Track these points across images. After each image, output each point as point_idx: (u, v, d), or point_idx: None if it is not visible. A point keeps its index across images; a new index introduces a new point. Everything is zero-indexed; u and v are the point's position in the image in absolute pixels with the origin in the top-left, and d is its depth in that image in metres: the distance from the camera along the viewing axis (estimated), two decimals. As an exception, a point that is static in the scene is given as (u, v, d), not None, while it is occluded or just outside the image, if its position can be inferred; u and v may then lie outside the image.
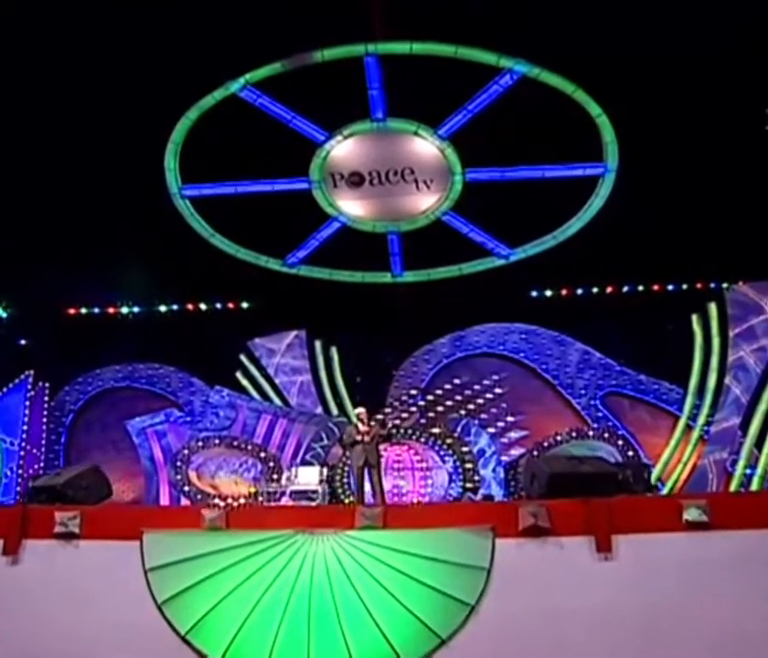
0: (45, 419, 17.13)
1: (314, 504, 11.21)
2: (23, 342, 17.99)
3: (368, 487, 11.16)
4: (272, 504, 12.68)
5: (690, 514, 8.34)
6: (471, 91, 12.48)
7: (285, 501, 11.83)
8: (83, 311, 17.80)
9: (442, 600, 8.13)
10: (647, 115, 12.22)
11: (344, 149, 13.52)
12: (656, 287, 16.98)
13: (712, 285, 16.72)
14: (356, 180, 13.92)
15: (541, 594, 8.14)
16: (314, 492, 11.64)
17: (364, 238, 15.22)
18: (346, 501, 14.96)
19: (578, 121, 12.62)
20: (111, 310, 17.85)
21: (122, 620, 8.32)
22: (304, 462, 16.29)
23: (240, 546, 8.45)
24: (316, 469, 12.56)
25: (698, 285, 16.76)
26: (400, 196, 14.21)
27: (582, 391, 17.12)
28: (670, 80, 11.69)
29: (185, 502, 16.15)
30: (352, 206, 14.60)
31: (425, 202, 14.46)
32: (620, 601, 8.02)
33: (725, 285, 16.55)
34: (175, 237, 14.88)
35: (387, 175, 13.80)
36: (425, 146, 13.44)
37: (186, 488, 16.09)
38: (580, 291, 17.20)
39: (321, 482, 12.04)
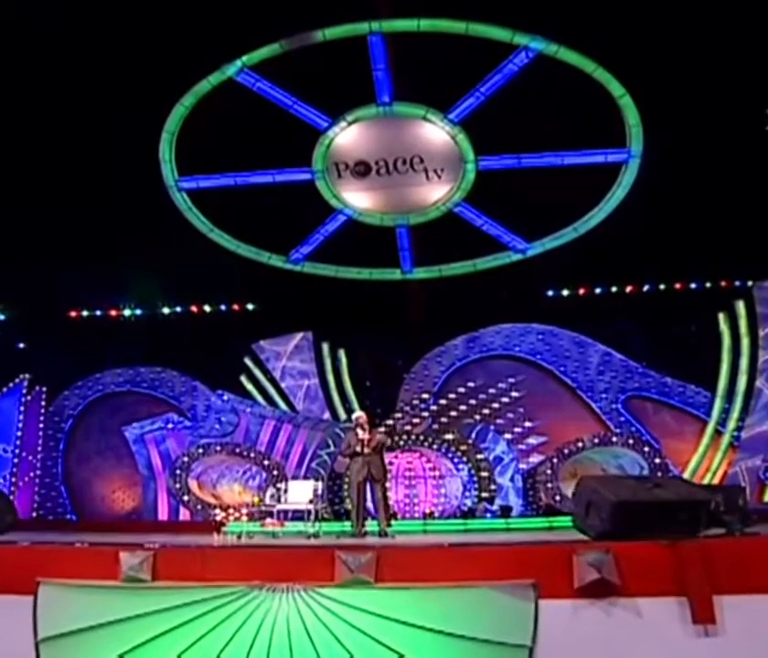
0: (42, 425, 16.57)
1: (309, 530, 9.64)
2: (21, 345, 17.42)
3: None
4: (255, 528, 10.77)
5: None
6: (483, 72, 11.74)
7: (271, 522, 10.31)
8: (85, 313, 17.35)
9: None
10: (674, 95, 11.36)
11: (348, 136, 12.83)
12: (678, 285, 16.20)
13: (737, 283, 15.97)
14: (361, 170, 13.23)
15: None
16: (306, 513, 9.94)
17: (371, 233, 14.50)
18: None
19: (599, 102, 11.82)
20: (113, 312, 17.41)
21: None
22: (309, 470, 15.57)
23: (165, 610, 5.93)
24: (309, 484, 10.58)
25: (723, 283, 16.00)
26: (409, 187, 13.49)
27: (603, 395, 16.36)
28: (701, 57, 10.77)
29: (184, 512, 15.42)
30: (358, 198, 13.90)
31: (436, 193, 13.73)
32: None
33: (750, 283, 15.79)
34: (173, 232, 14.20)
35: (394, 163, 13.11)
36: (435, 132, 12.70)
37: (186, 497, 15.37)
38: (598, 291, 16.45)
39: (315, 498, 10.15)
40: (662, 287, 16.18)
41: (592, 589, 5.65)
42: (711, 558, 5.71)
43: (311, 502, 9.97)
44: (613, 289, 16.33)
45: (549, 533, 9.00)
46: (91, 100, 11.58)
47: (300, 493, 10.34)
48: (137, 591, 6.01)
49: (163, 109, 12.36)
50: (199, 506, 15.37)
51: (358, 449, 9.70)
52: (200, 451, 15.78)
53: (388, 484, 10.15)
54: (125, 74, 11.17)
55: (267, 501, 10.67)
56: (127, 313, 17.30)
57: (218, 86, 12.02)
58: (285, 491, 10.55)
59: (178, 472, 15.51)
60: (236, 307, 17.16)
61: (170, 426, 16.39)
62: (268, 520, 10.16)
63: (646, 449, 14.89)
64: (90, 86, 11.39)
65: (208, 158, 13.17)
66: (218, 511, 15.10)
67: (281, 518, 10.31)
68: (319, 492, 10.34)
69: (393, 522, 10.02)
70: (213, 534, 10.15)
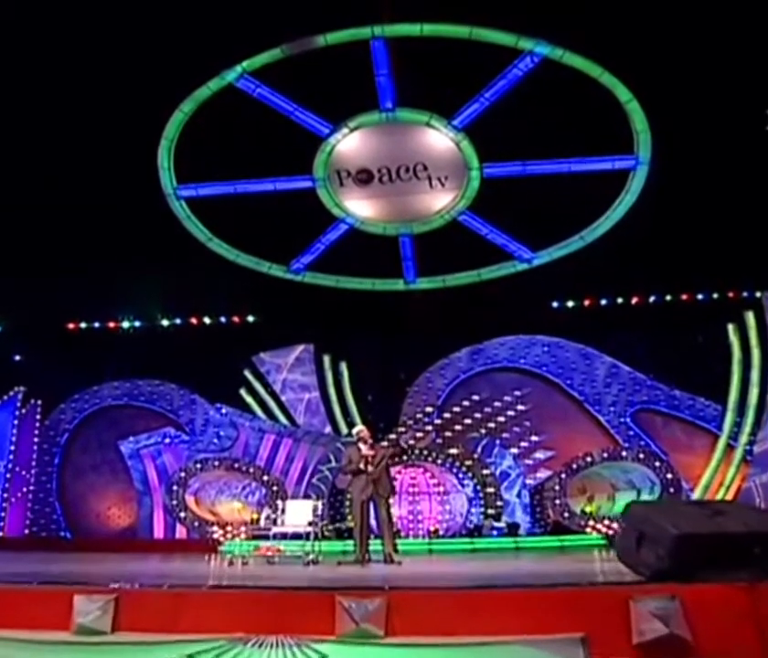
0: (36, 439, 16.22)
1: (308, 549, 9.06)
2: (16, 357, 17.13)
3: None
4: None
5: None
6: (488, 77, 11.50)
7: (267, 547, 9.63)
8: (83, 325, 17.07)
9: None
10: (682, 100, 11.08)
11: (350, 143, 12.62)
12: (685, 296, 15.90)
13: (745, 294, 15.70)
14: (364, 177, 12.99)
15: None
16: (305, 536, 9.21)
17: (374, 242, 14.24)
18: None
19: (606, 108, 11.56)
20: (111, 324, 17.14)
21: None
22: (310, 486, 15.21)
23: None
24: (308, 504, 9.94)
25: (731, 294, 15.73)
26: (413, 195, 13.23)
27: (611, 408, 16.04)
28: (709, 60, 10.50)
29: (180, 530, 15.04)
30: (360, 207, 13.65)
31: (439, 201, 13.47)
32: None
33: (758, 294, 15.54)
34: (171, 242, 13.93)
35: (397, 171, 12.87)
36: (439, 139, 12.47)
37: (183, 514, 14.99)
38: (604, 302, 16.16)
39: (314, 519, 9.50)
40: (669, 298, 15.91)
41: (656, 647, 4.37)
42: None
43: (310, 524, 9.30)
44: (620, 300, 16.06)
45: (591, 568, 7.65)
46: (89, 106, 11.34)
47: (298, 513, 9.65)
48: (93, 647, 4.78)
49: (161, 115, 12.12)
50: (196, 523, 14.99)
51: (361, 466, 9.01)
52: (198, 466, 15.42)
53: (391, 500, 9.44)
54: (123, 80, 10.93)
55: (262, 523, 10.06)
56: (126, 325, 17.06)
57: (217, 92, 11.80)
58: (283, 511, 9.80)
59: (175, 487, 15.15)
60: (236, 319, 16.90)
61: (167, 441, 16.04)
62: (263, 544, 9.57)
63: (657, 463, 14.51)
64: (88, 91, 11.16)
65: (207, 166, 12.93)
66: (215, 528, 14.73)
67: (278, 538, 9.70)
68: (319, 511, 9.75)
69: (396, 541, 9.40)
70: (208, 554, 9.66)
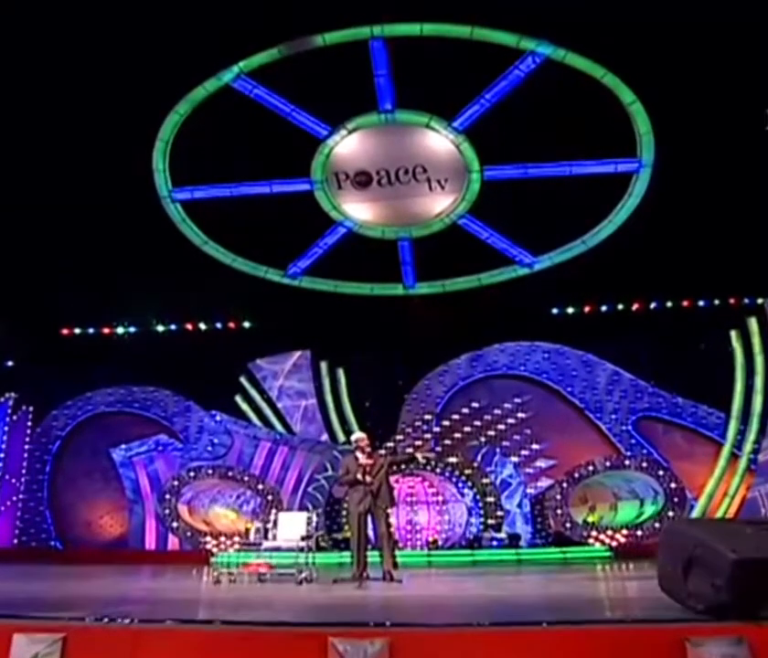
0: (27, 446, 15.90)
1: (301, 562, 8.49)
2: (9, 363, 16.83)
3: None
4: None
5: None
6: (489, 78, 11.33)
7: (257, 563, 8.94)
8: (77, 331, 16.83)
9: None
10: (687, 102, 10.88)
11: (349, 145, 12.41)
12: (685, 303, 15.72)
13: (746, 301, 15.55)
14: (362, 180, 12.78)
15: None
16: (299, 550, 8.58)
17: (372, 246, 13.99)
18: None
19: (609, 109, 11.38)
20: (106, 330, 16.87)
21: None
22: (306, 495, 14.92)
23: None
24: (302, 516, 9.18)
25: (732, 301, 15.58)
26: (412, 198, 13.02)
27: (613, 416, 15.80)
28: (715, 63, 10.31)
29: (173, 540, 14.73)
30: (359, 210, 13.42)
31: (439, 204, 13.25)
32: None
33: (759, 301, 15.41)
34: (166, 246, 13.69)
35: (396, 173, 12.66)
36: (439, 141, 12.27)
37: (175, 524, 14.66)
38: (604, 308, 15.97)
39: (309, 534, 8.88)
40: (670, 304, 15.71)
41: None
42: None
43: (303, 538, 8.69)
44: (620, 306, 15.87)
45: (618, 592, 7.03)
46: (82, 107, 11.12)
47: (291, 527, 8.92)
48: None
49: (156, 116, 11.92)
50: (189, 534, 14.67)
51: (359, 476, 8.49)
52: (191, 474, 15.10)
53: (390, 512, 8.97)
54: (117, 79, 10.73)
55: (252, 537, 9.39)
56: (120, 330, 16.79)
57: (214, 93, 11.62)
58: (275, 524, 9.04)
59: (167, 496, 14.83)
60: (232, 325, 16.65)
61: (160, 448, 15.74)
62: (253, 560, 9.05)
63: (661, 472, 14.24)
64: (81, 91, 10.93)
65: (202, 168, 12.74)
66: (209, 539, 14.41)
67: (269, 552, 9.20)
68: (313, 524, 9.17)
69: (396, 554, 8.85)
70: (199, 567, 9.13)
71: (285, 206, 13.00)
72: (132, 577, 9.90)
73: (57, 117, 11.10)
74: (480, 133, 11.97)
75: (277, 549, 9.25)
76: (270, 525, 9.05)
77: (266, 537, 9.00)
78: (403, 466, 14.24)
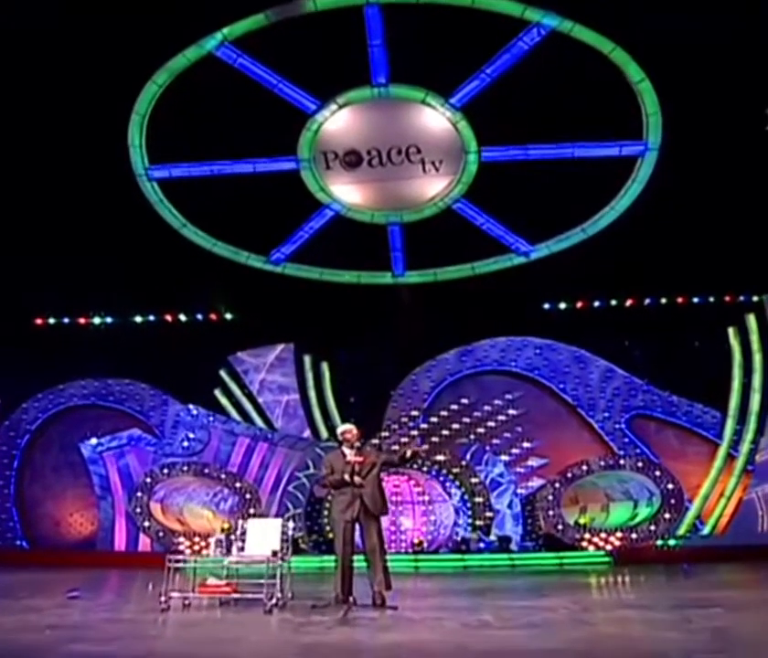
0: (-7, 441, 14.93)
1: (268, 599, 6.55)
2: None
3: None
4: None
5: None
6: (490, 51, 10.81)
7: (215, 585, 7.14)
8: (51, 321, 16.06)
9: None
10: (698, 83, 10.37)
11: (338, 121, 11.89)
12: (680, 299, 15.39)
13: (742, 298, 15.27)
14: (352, 160, 12.23)
15: None
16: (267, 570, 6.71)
17: (360, 231, 13.38)
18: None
19: (615, 87, 10.93)
20: (81, 320, 16.17)
21: None
22: (286, 494, 14.16)
23: None
24: (276, 524, 7.43)
25: (727, 298, 15.28)
26: (404, 180, 12.49)
27: (606, 414, 15.34)
28: (731, 40, 9.84)
29: (144, 540, 13.86)
30: (347, 192, 12.85)
31: (433, 187, 12.72)
32: None
33: (756, 298, 15.15)
34: (142, 227, 12.88)
35: (388, 153, 12.13)
36: (434, 118, 11.78)
37: (147, 523, 13.82)
38: (597, 304, 15.57)
39: (283, 546, 7.21)
40: (664, 301, 15.35)
41: None
42: None
43: (275, 554, 6.93)
44: (613, 302, 15.46)
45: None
46: (51, 75, 10.45)
47: (262, 539, 7.11)
48: None
49: (132, 87, 11.25)
50: (161, 534, 13.83)
51: (347, 476, 6.97)
52: (165, 471, 14.27)
53: (383, 520, 7.34)
54: (90, 47, 10.04)
55: (212, 552, 7.34)
56: (97, 321, 16.02)
57: (195, 62, 10.99)
58: (243, 534, 7.25)
59: (139, 494, 13.99)
60: (213, 316, 15.95)
61: (132, 443, 14.85)
62: (210, 581, 7.20)
63: (658, 473, 13.76)
64: (51, 58, 10.20)
65: (182, 144, 12.07)
66: (182, 539, 13.57)
67: (229, 573, 7.36)
68: (289, 532, 7.50)
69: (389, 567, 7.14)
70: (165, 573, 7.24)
71: (269, 186, 12.39)
72: (86, 592, 8.20)
73: (25, 89, 10.41)
74: (479, 111, 11.44)
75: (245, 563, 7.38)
76: (236, 535, 7.37)
77: (229, 552, 7.25)
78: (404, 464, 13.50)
